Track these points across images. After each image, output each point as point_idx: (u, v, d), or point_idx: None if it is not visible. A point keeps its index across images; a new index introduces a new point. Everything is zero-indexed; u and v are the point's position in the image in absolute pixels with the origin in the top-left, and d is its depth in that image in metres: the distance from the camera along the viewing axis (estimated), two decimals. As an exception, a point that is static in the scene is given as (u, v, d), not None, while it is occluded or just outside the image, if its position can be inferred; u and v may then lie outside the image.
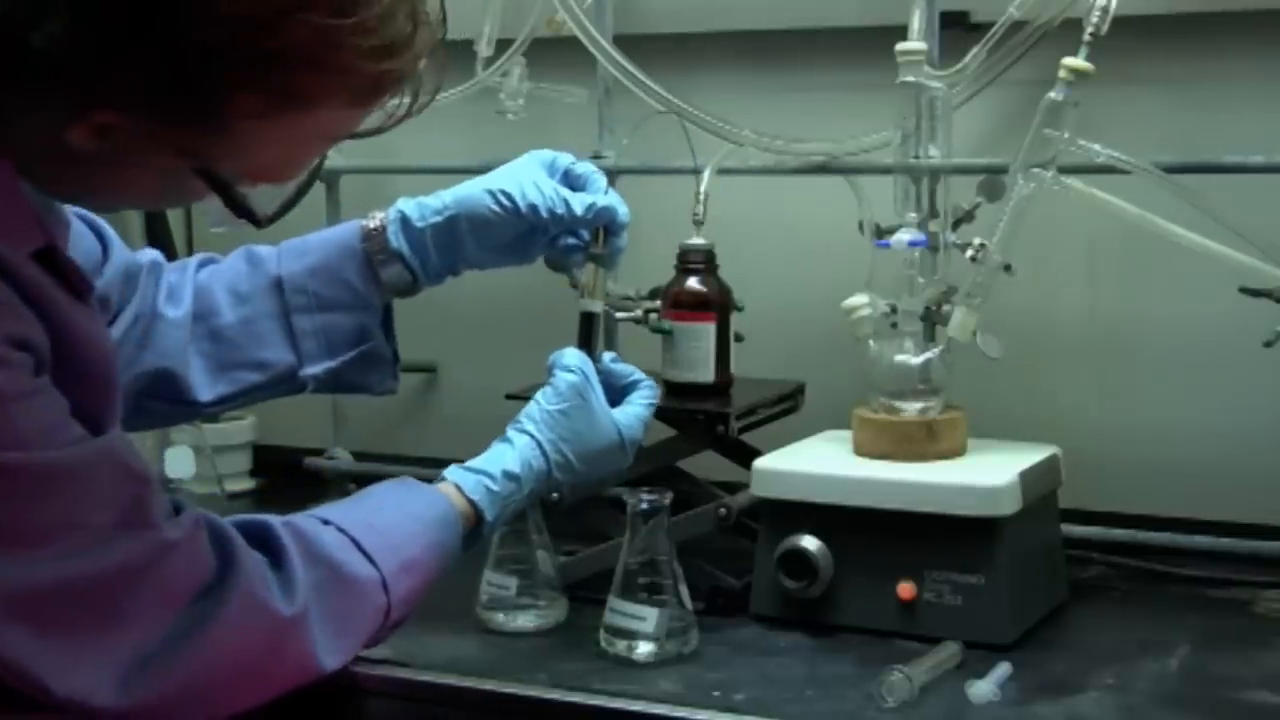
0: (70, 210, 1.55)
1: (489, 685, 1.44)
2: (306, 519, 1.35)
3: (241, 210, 1.21)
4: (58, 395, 1.17)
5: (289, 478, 2.13)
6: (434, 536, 1.41)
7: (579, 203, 1.55)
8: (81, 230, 1.54)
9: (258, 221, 1.23)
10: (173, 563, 1.20)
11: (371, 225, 1.58)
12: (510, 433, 1.50)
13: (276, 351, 1.56)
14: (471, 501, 1.44)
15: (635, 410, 1.54)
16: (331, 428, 2.12)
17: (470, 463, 1.48)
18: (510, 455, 1.48)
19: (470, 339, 2.05)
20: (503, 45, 1.91)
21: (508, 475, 1.47)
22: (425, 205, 1.58)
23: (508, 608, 1.59)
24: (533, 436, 1.49)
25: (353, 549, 1.34)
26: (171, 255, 1.63)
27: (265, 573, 1.26)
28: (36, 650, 1.13)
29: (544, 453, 1.48)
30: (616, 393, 1.55)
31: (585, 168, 1.60)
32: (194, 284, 1.58)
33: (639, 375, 1.57)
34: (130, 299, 1.55)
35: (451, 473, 1.47)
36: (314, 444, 2.13)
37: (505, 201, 1.55)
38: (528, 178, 1.56)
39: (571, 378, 1.50)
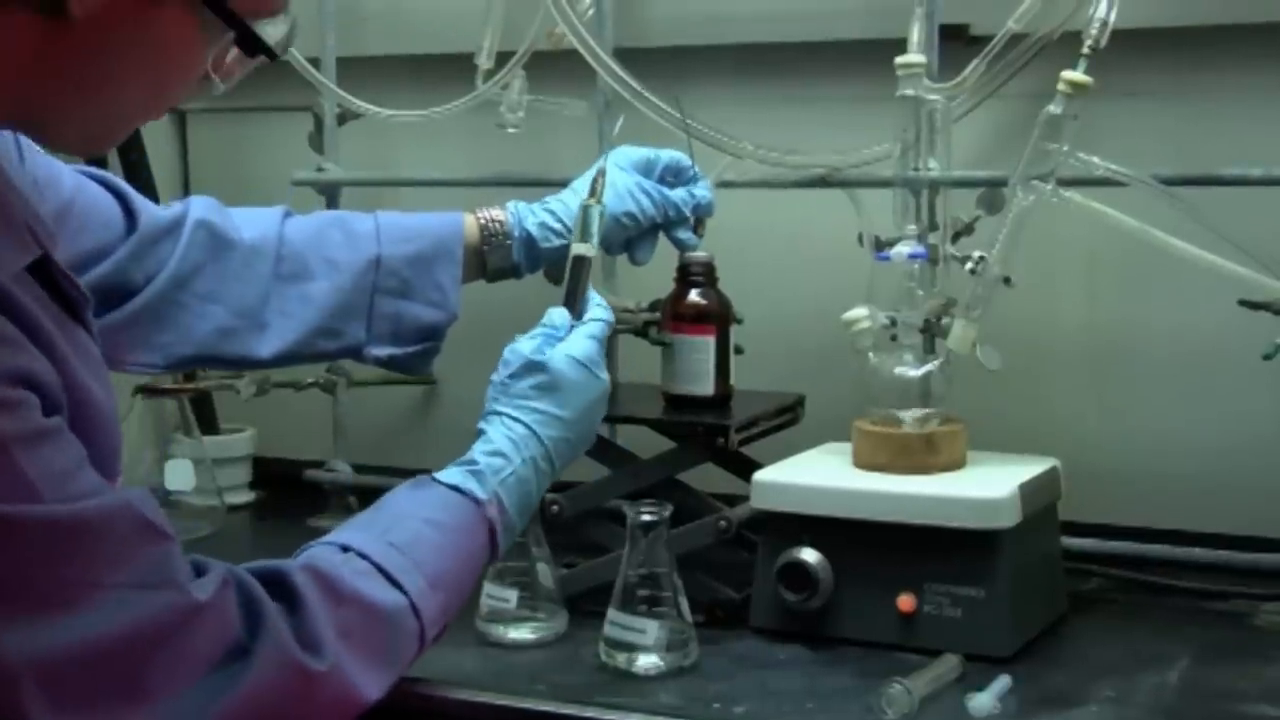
0: (86, 172, 1.50)
1: (488, 698, 1.44)
2: (324, 549, 1.29)
3: (258, 45, 1.16)
4: (72, 440, 1.10)
5: (289, 490, 2.12)
6: (457, 541, 1.35)
7: (685, 204, 1.64)
8: (97, 196, 1.49)
9: (274, 55, 1.18)
10: (198, 625, 1.13)
11: (489, 231, 1.61)
12: (479, 427, 1.44)
13: (354, 326, 1.58)
14: (460, 489, 1.37)
15: (581, 339, 1.48)
16: (331, 440, 2.12)
17: (448, 467, 1.41)
18: (483, 440, 1.42)
19: (469, 352, 2.03)
20: (503, 58, 1.91)
21: (489, 454, 1.40)
22: (547, 227, 1.62)
23: (507, 620, 1.59)
24: (497, 413, 1.44)
25: (375, 575, 1.28)
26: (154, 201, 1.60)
27: (287, 625, 1.19)
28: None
29: (516, 420, 1.43)
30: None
31: (677, 159, 1.67)
32: (281, 233, 1.57)
33: (595, 299, 1.53)
34: (167, 261, 1.52)
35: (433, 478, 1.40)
36: (314, 456, 2.13)
37: (629, 223, 1.62)
38: (640, 192, 1.62)
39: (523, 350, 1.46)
